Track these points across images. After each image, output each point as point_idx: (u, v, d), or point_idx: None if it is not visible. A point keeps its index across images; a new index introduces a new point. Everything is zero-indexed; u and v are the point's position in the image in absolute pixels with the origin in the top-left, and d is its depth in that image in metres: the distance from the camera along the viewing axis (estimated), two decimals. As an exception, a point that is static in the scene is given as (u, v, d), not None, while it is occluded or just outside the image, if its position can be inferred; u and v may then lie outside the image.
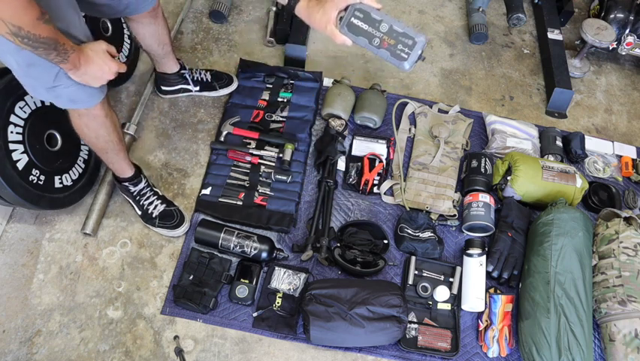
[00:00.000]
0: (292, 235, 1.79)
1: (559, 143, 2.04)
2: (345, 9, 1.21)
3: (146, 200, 1.72)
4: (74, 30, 1.21)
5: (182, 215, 1.75)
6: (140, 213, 1.73)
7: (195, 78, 2.02)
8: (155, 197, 1.74)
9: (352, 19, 1.20)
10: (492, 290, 1.73)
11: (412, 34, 1.17)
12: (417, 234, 1.78)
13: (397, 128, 2.07)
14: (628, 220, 1.73)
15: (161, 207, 1.73)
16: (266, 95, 2.08)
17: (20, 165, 1.50)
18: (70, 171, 1.71)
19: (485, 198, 1.82)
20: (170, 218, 1.72)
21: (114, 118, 1.49)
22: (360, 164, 1.95)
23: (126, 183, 1.69)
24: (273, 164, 1.89)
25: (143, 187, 1.72)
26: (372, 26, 1.19)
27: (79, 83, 1.25)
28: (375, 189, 1.91)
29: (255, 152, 1.90)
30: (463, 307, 1.69)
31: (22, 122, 1.52)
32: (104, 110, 1.40)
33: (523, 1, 2.54)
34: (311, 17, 1.24)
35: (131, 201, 1.73)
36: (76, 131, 1.46)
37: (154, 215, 1.72)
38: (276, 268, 1.69)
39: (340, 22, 1.21)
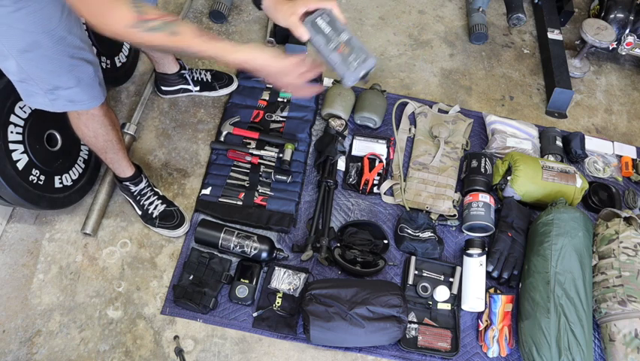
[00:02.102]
0: (292, 235, 1.79)
1: (559, 143, 2.04)
2: (314, 11, 1.23)
3: (146, 200, 1.72)
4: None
5: (182, 215, 1.75)
6: (140, 213, 1.73)
7: (195, 78, 2.02)
8: (156, 197, 1.74)
9: (318, 19, 1.23)
10: (492, 290, 1.73)
11: (367, 53, 1.22)
12: (417, 234, 1.78)
13: (397, 128, 2.07)
14: (628, 220, 1.73)
15: (161, 208, 1.73)
16: (266, 95, 2.07)
17: (20, 165, 1.50)
18: (70, 171, 1.71)
19: (485, 198, 1.82)
20: (171, 218, 1.72)
21: (113, 117, 1.49)
22: (360, 164, 1.95)
23: (127, 183, 1.69)
24: (273, 164, 1.89)
25: (144, 187, 1.72)
26: (335, 31, 1.23)
27: (80, 84, 1.25)
28: (375, 189, 1.91)
29: (255, 152, 1.90)
30: (463, 307, 1.69)
31: (22, 122, 1.52)
32: (102, 110, 1.40)
33: (523, 1, 2.53)
34: (277, 8, 1.25)
35: (131, 201, 1.73)
36: (74, 132, 1.46)
37: (154, 215, 1.72)
38: (276, 268, 1.69)
39: (306, 18, 1.24)
